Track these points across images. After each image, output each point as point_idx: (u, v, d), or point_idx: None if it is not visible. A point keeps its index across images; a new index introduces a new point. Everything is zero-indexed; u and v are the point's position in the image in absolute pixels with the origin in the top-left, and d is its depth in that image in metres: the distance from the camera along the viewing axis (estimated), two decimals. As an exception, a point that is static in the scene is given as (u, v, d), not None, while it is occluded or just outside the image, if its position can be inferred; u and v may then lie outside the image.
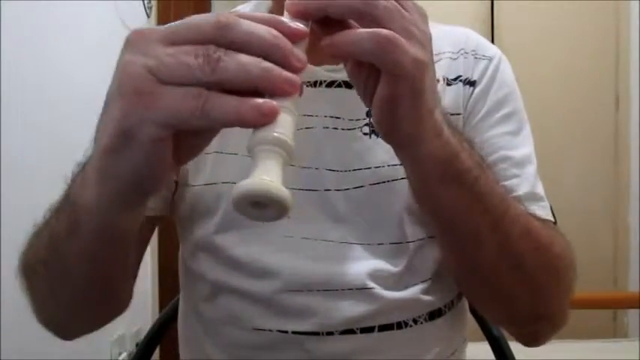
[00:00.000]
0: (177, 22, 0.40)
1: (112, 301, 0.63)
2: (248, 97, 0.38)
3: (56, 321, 0.65)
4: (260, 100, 0.38)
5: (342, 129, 0.69)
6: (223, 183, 0.69)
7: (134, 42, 0.40)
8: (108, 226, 0.47)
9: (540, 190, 0.71)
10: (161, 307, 2.16)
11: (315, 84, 0.70)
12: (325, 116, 0.69)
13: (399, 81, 0.44)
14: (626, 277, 2.69)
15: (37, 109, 1.40)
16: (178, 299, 0.81)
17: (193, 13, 0.77)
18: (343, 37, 0.43)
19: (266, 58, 0.38)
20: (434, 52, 0.49)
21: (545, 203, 0.70)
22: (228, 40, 0.38)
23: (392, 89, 0.45)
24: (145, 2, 2.06)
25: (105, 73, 0.75)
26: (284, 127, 0.38)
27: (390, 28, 0.43)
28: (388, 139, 0.50)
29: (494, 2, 2.81)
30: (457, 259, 0.63)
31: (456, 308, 0.75)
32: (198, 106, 0.37)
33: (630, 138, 2.68)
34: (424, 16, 0.47)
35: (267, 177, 0.36)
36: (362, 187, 0.68)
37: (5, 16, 1.25)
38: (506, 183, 0.66)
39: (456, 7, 2.61)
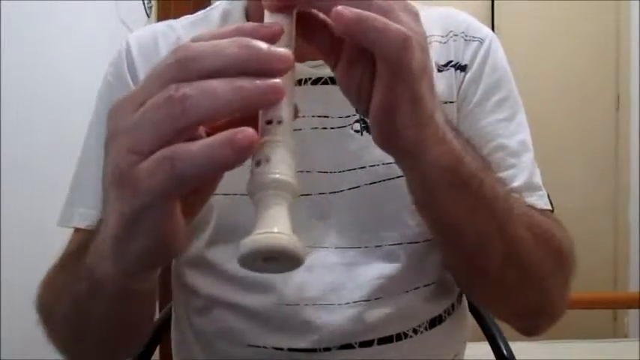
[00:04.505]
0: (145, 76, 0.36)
1: (135, 340, 0.63)
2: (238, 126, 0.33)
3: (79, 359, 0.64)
4: (231, 132, 0.32)
5: (332, 128, 0.66)
6: (214, 195, 0.68)
7: (112, 117, 0.37)
8: (128, 291, 0.45)
9: (538, 178, 0.69)
10: (161, 307, 2.15)
11: (299, 82, 0.65)
12: (313, 116, 0.66)
13: (396, 85, 0.41)
14: (626, 277, 2.69)
15: (37, 109, 1.40)
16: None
17: (194, 13, 0.77)
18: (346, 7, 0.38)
19: (245, 73, 0.34)
20: None
21: (543, 192, 0.69)
22: (193, 73, 0.34)
23: (388, 94, 0.41)
24: (145, 2, 2.06)
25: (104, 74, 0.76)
26: (281, 164, 0.35)
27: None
28: (389, 149, 0.46)
29: (495, 2, 2.82)
30: (461, 265, 0.61)
31: (456, 313, 0.74)
32: (167, 172, 0.33)
33: (630, 138, 2.69)
34: (416, 15, 0.43)
35: (277, 229, 0.33)
36: (357, 187, 0.66)
37: (5, 16, 1.25)
38: (503, 174, 0.63)
39: (455, 7, 2.61)
